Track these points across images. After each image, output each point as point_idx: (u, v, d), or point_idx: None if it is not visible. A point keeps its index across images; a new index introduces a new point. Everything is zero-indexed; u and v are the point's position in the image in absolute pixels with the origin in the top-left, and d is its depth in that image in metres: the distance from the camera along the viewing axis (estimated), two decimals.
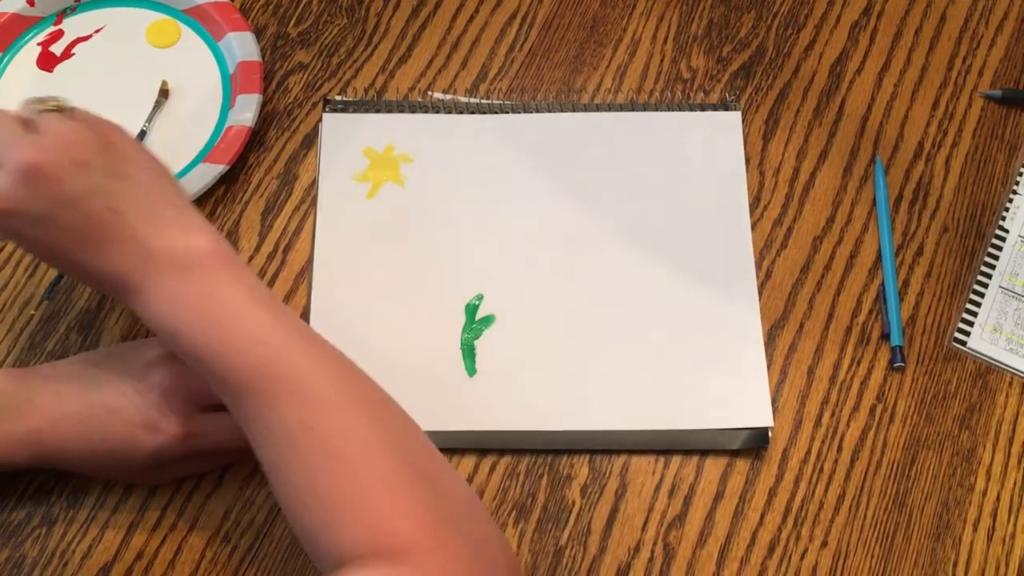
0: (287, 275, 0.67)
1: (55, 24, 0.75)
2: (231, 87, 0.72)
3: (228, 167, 0.68)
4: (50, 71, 0.73)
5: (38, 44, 0.74)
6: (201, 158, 0.69)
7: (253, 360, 0.49)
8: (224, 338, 0.49)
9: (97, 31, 0.75)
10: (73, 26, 0.75)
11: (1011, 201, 0.71)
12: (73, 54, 0.74)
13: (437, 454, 0.50)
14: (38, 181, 0.48)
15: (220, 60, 0.74)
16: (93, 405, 0.54)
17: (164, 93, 0.72)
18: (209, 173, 0.68)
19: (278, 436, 0.48)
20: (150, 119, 0.71)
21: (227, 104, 0.72)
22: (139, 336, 0.65)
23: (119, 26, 0.75)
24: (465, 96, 0.74)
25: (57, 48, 0.74)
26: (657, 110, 0.73)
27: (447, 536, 0.45)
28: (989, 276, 0.68)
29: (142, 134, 0.70)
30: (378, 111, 0.72)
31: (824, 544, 0.61)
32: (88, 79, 0.73)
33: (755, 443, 0.63)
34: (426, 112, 0.72)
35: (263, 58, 0.73)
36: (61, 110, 0.53)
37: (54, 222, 0.49)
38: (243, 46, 0.72)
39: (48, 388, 0.55)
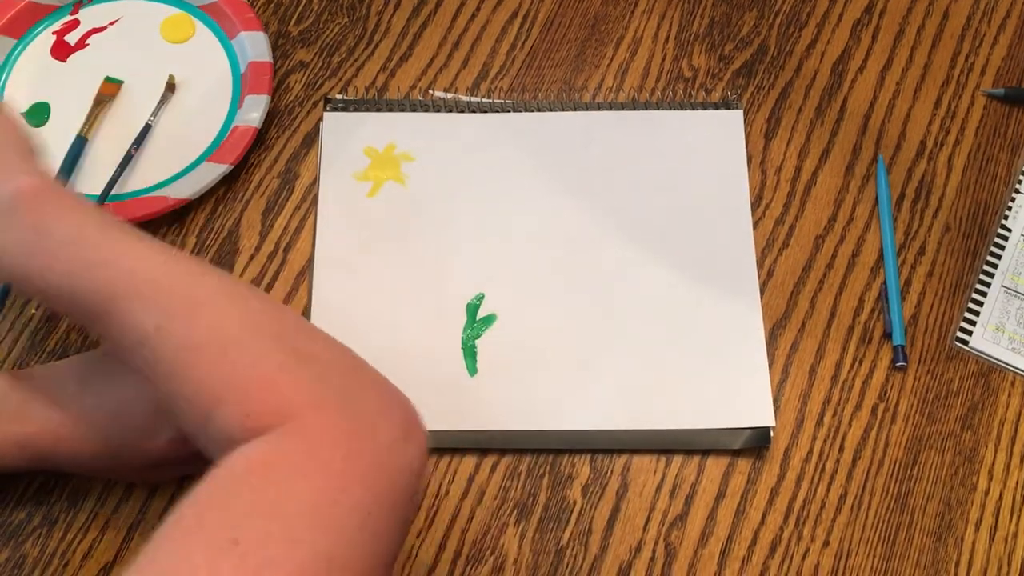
0: (288, 275, 0.67)
1: (71, 14, 0.75)
2: (240, 86, 0.72)
3: (232, 167, 0.68)
4: (63, 60, 0.73)
5: (53, 33, 0.74)
6: (205, 156, 0.69)
7: (97, 284, 0.48)
8: (66, 270, 0.48)
9: (112, 23, 0.75)
10: (89, 16, 0.75)
11: (1013, 200, 0.70)
12: (87, 44, 0.74)
13: (306, 323, 0.50)
14: None
15: (232, 58, 0.73)
16: (92, 408, 0.54)
17: (171, 87, 0.72)
18: (212, 172, 0.68)
19: (141, 347, 0.47)
20: (156, 113, 0.71)
21: (235, 103, 0.71)
22: None
23: (134, 19, 0.75)
24: (466, 95, 0.73)
25: (72, 38, 0.74)
26: (659, 109, 0.73)
27: (321, 393, 0.45)
28: (991, 275, 0.68)
29: (147, 128, 0.70)
30: (379, 110, 0.72)
31: (826, 544, 0.61)
32: (101, 70, 0.73)
33: (757, 442, 0.62)
34: (427, 111, 0.72)
35: None
36: None
37: None
38: (255, 46, 0.72)
39: (47, 391, 0.55)
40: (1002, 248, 0.69)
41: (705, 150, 0.71)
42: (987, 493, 0.62)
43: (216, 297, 0.49)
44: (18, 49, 0.74)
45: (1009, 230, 0.69)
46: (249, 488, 0.42)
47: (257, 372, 0.46)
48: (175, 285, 0.49)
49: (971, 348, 0.66)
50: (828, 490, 0.62)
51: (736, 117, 0.72)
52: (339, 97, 0.73)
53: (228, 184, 0.70)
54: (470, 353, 0.64)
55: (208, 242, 0.68)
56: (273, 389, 0.45)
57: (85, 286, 0.48)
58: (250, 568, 0.39)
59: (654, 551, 0.60)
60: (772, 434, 0.63)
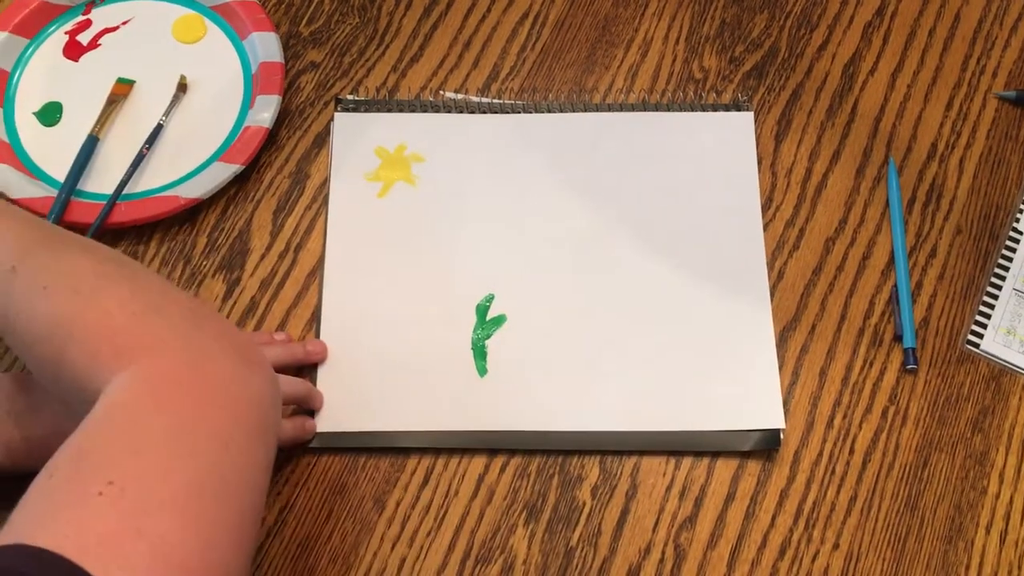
0: (298, 274, 0.67)
1: (84, 13, 0.75)
2: (252, 87, 0.72)
3: (243, 167, 0.68)
4: (76, 60, 0.74)
5: (65, 33, 0.75)
6: (217, 156, 0.69)
7: None
8: None
9: (125, 23, 0.75)
10: (101, 16, 0.75)
11: None
12: (99, 44, 0.74)
13: (158, 278, 0.53)
14: None
15: (243, 59, 0.74)
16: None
17: (182, 88, 0.72)
18: (224, 172, 0.68)
19: None
20: (167, 113, 0.71)
21: (247, 103, 0.72)
22: None
23: (146, 19, 0.75)
24: (477, 96, 0.74)
25: (84, 38, 0.74)
26: (669, 110, 0.73)
27: (161, 333, 0.48)
28: (1003, 278, 0.68)
29: (159, 128, 0.70)
30: (390, 110, 0.72)
31: (836, 546, 0.61)
32: (112, 70, 0.73)
33: (766, 445, 0.62)
34: (438, 112, 0.72)
35: None
36: None
37: None
38: (266, 46, 0.72)
39: (54, 395, 0.55)
40: (1013, 251, 0.68)
41: (715, 152, 0.71)
42: (998, 497, 0.62)
43: (72, 246, 0.52)
44: (31, 49, 0.74)
45: (1021, 233, 0.69)
46: (112, 431, 0.44)
47: (94, 312, 0.48)
48: (34, 232, 0.51)
49: (982, 351, 0.66)
50: (838, 492, 0.62)
51: (747, 119, 0.72)
52: (350, 97, 0.73)
53: (239, 184, 0.70)
54: (480, 354, 0.64)
55: (219, 242, 0.68)
56: (118, 332, 0.47)
57: None
58: (130, 504, 0.40)
59: (663, 553, 0.60)
60: (782, 436, 0.63)
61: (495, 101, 0.73)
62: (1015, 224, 0.69)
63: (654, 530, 0.61)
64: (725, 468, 0.62)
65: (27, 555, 0.38)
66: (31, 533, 0.39)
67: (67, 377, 0.48)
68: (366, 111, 0.72)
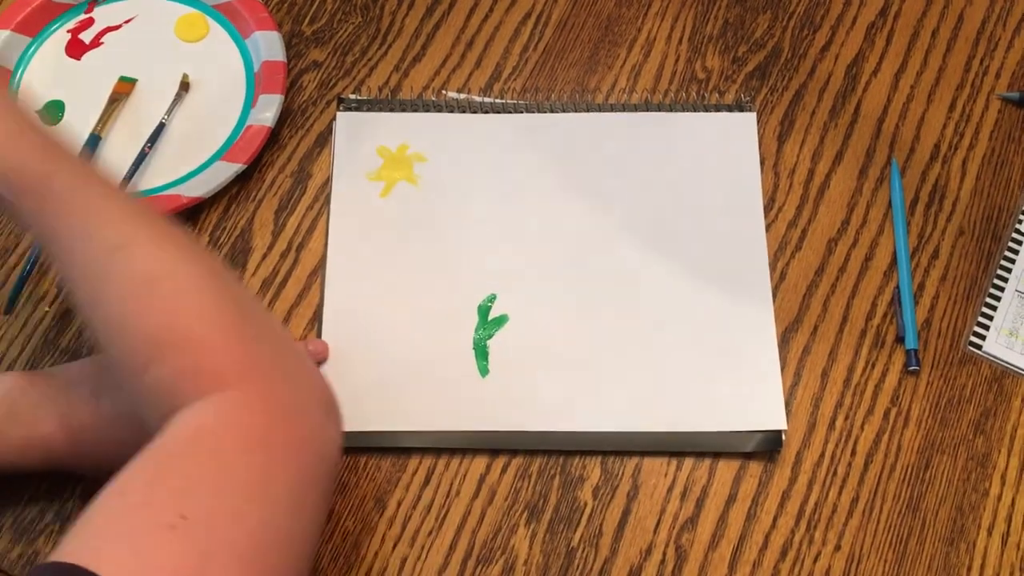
0: (300, 274, 0.67)
1: (86, 12, 0.75)
2: (254, 86, 0.72)
3: (245, 166, 0.68)
4: (78, 59, 0.74)
5: (68, 31, 0.75)
6: (219, 155, 0.69)
7: (72, 199, 0.49)
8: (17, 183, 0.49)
9: (127, 21, 0.75)
10: (104, 15, 0.75)
11: None
12: (102, 43, 0.74)
13: (248, 292, 0.52)
14: None
15: (246, 58, 0.74)
16: (104, 410, 0.54)
17: (184, 86, 0.72)
18: (226, 171, 0.68)
19: (95, 263, 0.47)
20: (170, 112, 0.71)
21: (249, 102, 0.72)
22: None
23: (149, 18, 0.76)
24: (479, 95, 0.74)
25: (86, 36, 0.74)
26: (672, 111, 0.73)
27: (265, 366, 0.46)
28: (1005, 280, 0.68)
29: (161, 127, 0.70)
30: (392, 110, 0.72)
31: (837, 548, 0.61)
32: (115, 69, 0.73)
33: (768, 446, 0.62)
34: (440, 111, 0.72)
35: None
36: None
37: None
38: (269, 45, 0.72)
39: (60, 393, 0.55)
40: (1016, 252, 0.68)
41: (718, 152, 0.71)
42: (1000, 499, 0.62)
43: (182, 243, 0.49)
44: (33, 47, 0.74)
45: (1023, 234, 0.69)
46: (195, 462, 0.42)
47: (205, 326, 0.46)
48: (144, 220, 0.49)
49: (984, 353, 0.66)
50: (840, 494, 0.62)
51: (749, 119, 0.72)
52: (352, 97, 0.73)
53: (241, 183, 0.70)
54: (482, 354, 0.64)
55: (221, 240, 0.68)
56: (225, 352, 0.45)
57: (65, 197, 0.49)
58: (198, 544, 0.39)
59: (664, 554, 0.60)
60: (784, 437, 0.63)
61: (498, 101, 0.73)
62: (1018, 225, 0.69)
63: (655, 531, 0.61)
64: (727, 469, 0.62)
65: None
66: (92, 554, 0.37)
67: (152, 378, 0.45)
68: (368, 110, 0.72)
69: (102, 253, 0.47)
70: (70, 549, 0.38)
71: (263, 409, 0.45)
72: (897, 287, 0.67)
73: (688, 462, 0.63)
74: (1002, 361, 0.65)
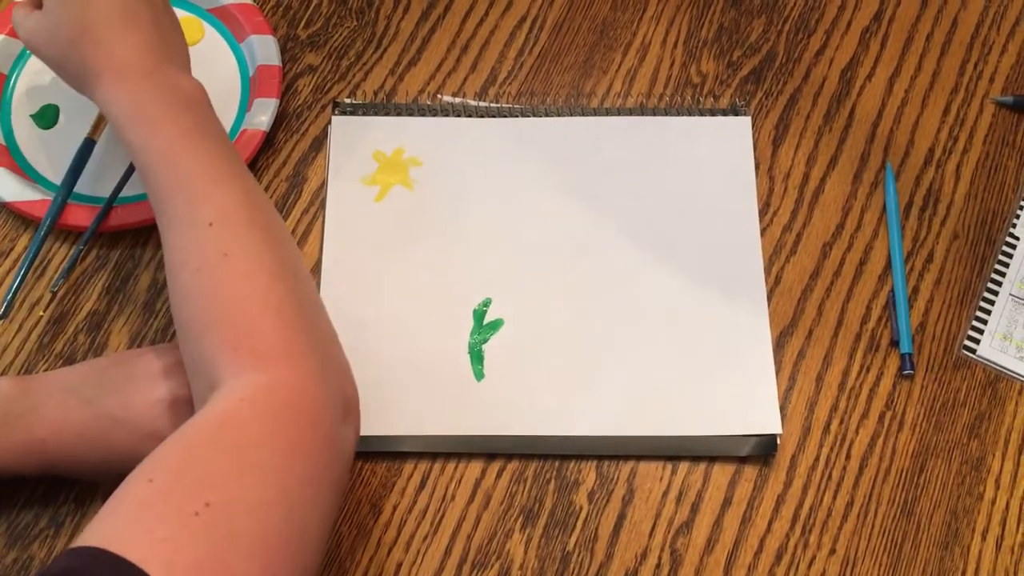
0: None
1: None
2: (249, 90, 0.72)
3: None
4: None
5: None
6: None
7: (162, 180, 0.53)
8: (147, 146, 0.54)
9: None
10: None
11: (1022, 208, 0.70)
12: None
13: (309, 280, 0.54)
14: None
15: (241, 62, 0.74)
16: (99, 415, 0.54)
17: None
18: None
19: (191, 234, 0.51)
20: None
21: (244, 106, 0.72)
22: (146, 340, 0.65)
23: None
24: (474, 100, 0.74)
25: None
26: (667, 115, 0.73)
27: (299, 356, 0.48)
28: (999, 284, 0.68)
29: None
30: (387, 114, 0.72)
31: (832, 552, 0.61)
32: None
33: (763, 450, 0.62)
34: (435, 115, 0.72)
35: None
36: None
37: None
38: (264, 49, 0.72)
39: (54, 397, 0.55)
40: (1010, 256, 0.69)
41: (713, 156, 0.71)
42: (994, 502, 0.62)
43: (264, 222, 0.53)
44: (28, 52, 0.74)
45: (1017, 238, 0.69)
46: (224, 446, 0.44)
47: (257, 306, 0.49)
48: (237, 199, 0.53)
49: (979, 357, 0.66)
50: (835, 498, 0.62)
51: (744, 123, 0.72)
52: (347, 101, 0.73)
53: None
54: (477, 358, 0.64)
55: None
56: (266, 333, 0.48)
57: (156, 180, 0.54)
58: (222, 531, 0.40)
59: (660, 558, 0.60)
60: (779, 441, 0.63)
61: (493, 105, 0.73)
62: (1011, 229, 0.70)
63: (651, 535, 0.61)
64: (722, 473, 0.62)
65: (108, 564, 0.37)
66: (119, 540, 0.39)
67: (203, 346, 0.48)
68: (364, 114, 0.72)
69: (195, 226, 0.51)
70: (97, 532, 0.39)
71: (288, 401, 0.46)
72: (892, 291, 0.68)
73: (683, 466, 0.63)
74: (996, 365, 0.66)
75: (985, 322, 0.67)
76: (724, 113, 0.73)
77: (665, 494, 0.62)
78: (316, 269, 0.67)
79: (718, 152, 0.71)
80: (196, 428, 0.45)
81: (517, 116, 0.73)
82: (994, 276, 0.68)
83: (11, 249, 0.68)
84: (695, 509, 0.61)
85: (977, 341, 0.66)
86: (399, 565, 0.60)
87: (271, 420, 0.45)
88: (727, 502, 0.62)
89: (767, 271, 0.68)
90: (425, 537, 0.60)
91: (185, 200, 0.52)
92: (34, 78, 0.73)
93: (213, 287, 0.50)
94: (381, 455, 0.62)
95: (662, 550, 0.60)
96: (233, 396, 0.46)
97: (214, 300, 0.49)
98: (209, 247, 0.51)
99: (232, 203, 0.52)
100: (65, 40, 0.57)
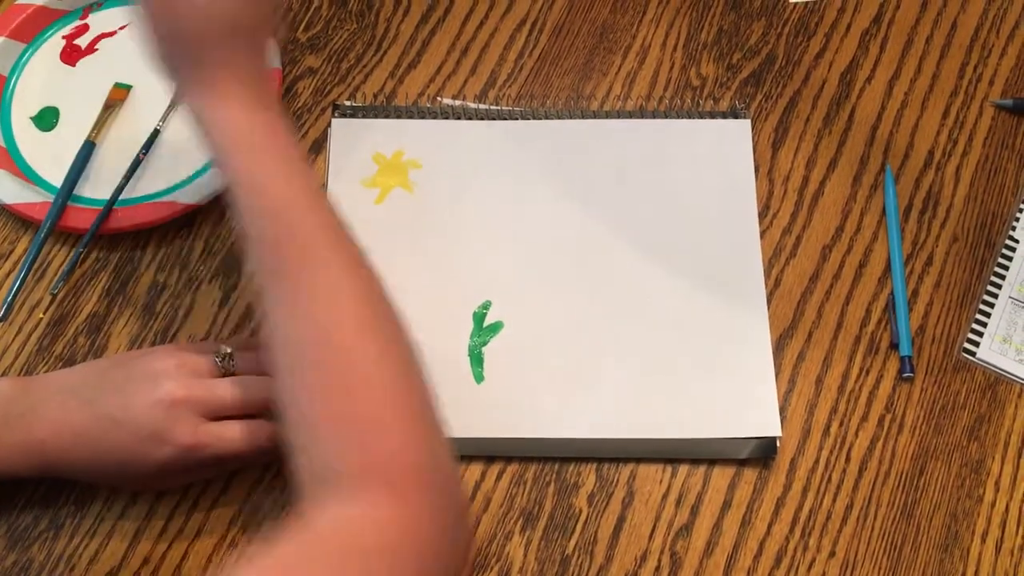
0: None
1: (81, 18, 0.75)
2: None
3: None
4: (72, 65, 0.74)
5: (63, 37, 0.75)
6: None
7: (275, 232, 0.50)
8: (260, 187, 0.51)
9: (122, 27, 0.75)
10: (99, 21, 0.75)
11: (1021, 211, 0.70)
12: (97, 49, 0.74)
13: (432, 391, 0.50)
14: None
15: None
16: (99, 416, 0.54)
17: None
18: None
19: (295, 336, 0.48)
20: (164, 118, 0.71)
21: None
22: (146, 342, 0.65)
23: None
24: (474, 102, 0.74)
25: (82, 42, 0.74)
26: (666, 118, 0.73)
27: (427, 477, 0.46)
28: (999, 286, 0.68)
29: (156, 133, 0.70)
30: (387, 116, 0.72)
31: (832, 555, 0.61)
32: (110, 75, 0.73)
33: (763, 453, 0.62)
34: (435, 118, 0.72)
35: None
36: None
37: None
38: None
39: (54, 398, 0.55)
40: (1010, 259, 0.69)
41: (713, 159, 0.71)
42: (994, 505, 0.62)
43: (382, 313, 0.50)
44: (28, 53, 0.74)
45: (1017, 241, 0.69)
46: (331, 570, 0.42)
47: (388, 412, 0.46)
48: (349, 270, 0.50)
49: (978, 359, 0.66)
50: (834, 501, 0.62)
51: (744, 126, 0.72)
52: (347, 103, 0.73)
53: None
54: (477, 360, 0.64)
55: (216, 248, 0.68)
56: (393, 450, 0.45)
57: (262, 228, 0.50)
58: None
59: (659, 561, 0.60)
60: (778, 444, 0.63)
61: (492, 107, 0.73)
62: (1011, 232, 0.70)
63: (650, 538, 0.61)
64: (721, 476, 0.62)
65: None
66: None
67: (327, 447, 0.45)
68: (364, 117, 0.72)
69: (313, 300, 0.48)
70: None
71: (417, 532, 0.44)
72: (891, 294, 0.68)
73: (683, 469, 0.63)
74: (996, 368, 0.66)
75: (985, 325, 0.67)
76: (724, 116, 0.73)
77: (665, 497, 0.62)
78: None
79: (718, 155, 0.71)
80: (313, 533, 0.42)
81: (517, 119, 0.73)
82: (994, 279, 0.68)
83: (11, 251, 0.68)
84: (695, 512, 0.61)
85: (977, 344, 0.66)
86: None
87: (394, 552, 0.43)
88: (727, 505, 0.62)
89: (767, 273, 0.68)
90: None
91: (299, 260, 0.49)
92: (34, 80, 0.73)
93: (341, 392, 0.46)
94: None
95: (662, 553, 0.60)
96: (355, 514, 0.43)
97: (342, 407, 0.46)
98: (333, 336, 0.47)
99: (359, 291, 0.50)
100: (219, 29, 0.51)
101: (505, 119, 0.72)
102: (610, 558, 0.60)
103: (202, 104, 0.52)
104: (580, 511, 0.61)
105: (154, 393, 0.55)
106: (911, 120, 0.74)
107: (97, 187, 0.69)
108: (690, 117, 0.73)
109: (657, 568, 0.60)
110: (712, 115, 0.73)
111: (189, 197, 0.67)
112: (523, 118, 0.73)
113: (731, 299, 0.67)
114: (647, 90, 0.74)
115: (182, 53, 0.52)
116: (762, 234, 0.69)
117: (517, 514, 0.61)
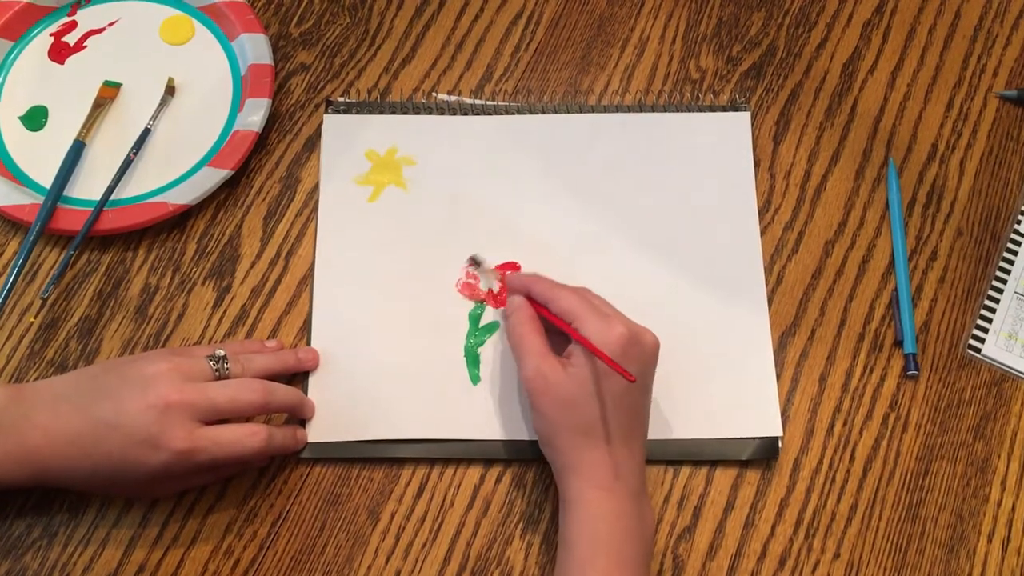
0: (289, 281, 0.66)
1: (69, 15, 0.74)
2: (241, 89, 0.71)
3: (232, 172, 0.67)
4: (61, 63, 0.72)
5: (51, 35, 0.73)
6: (206, 161, 0.68)
7: None
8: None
9: (111, 24, 0.74)
10: (87, 18, 0.74)
11: None
12: (85, 46, 0.73)
13: None
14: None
15: (232, 61, 0.72)
16: (93, 422, 0.54)
17: (170, 91, 0.71)
18: (213, 177, 0.67)
19: None
20: (155, 117, 0.70)
21: (236, 106, 0.70)
22: (139, 346, 0.64)
23: (133, 20, 0.74)
24: (470, 97, 0.72)
25: (70, 39, 0.73)
26: (665, 111, 0.72)
27: None
28: (1004, 281, 0.67)
29: (146, 132, 0.69)
30: (381, 112, 0.71)
31: (836, 556, 0.60)
32: (99, 73, 0.72)
33: (764, 454, 0.62)
34: (430, 114, 0.71)
35: None
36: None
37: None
38: (255, 48, 0.71)
39: (47, 405, 0.54)
40: (1015, 254, 0.68)
41: (712, 153, 0.70)
42: (1000, 504, 0.61)
43: None
44: (15, 51, 0.73)
45: (1022, 235, 0.68)
46: None
47: None
48: None
49: (983, 356, 0.65)
50: (838, 501, 0.61)
51: (744, 119, 0.71)
52: (341, 99, 0.72)
53: (229, 189, 0.69)
54: (473, 361, 0.64)
55: (209, 248, 0.67)
56: None
57: None
58: None
59: (662, 563, 0.59)
60: (780, 444, 0.62)
61: (488, 103, 0.72)
62: (1016, 226, 0.69)
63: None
64: (724, 477, 0.62)
65: None
66: None
67: None
68: (357, 113, 0.71)
69: None
70: None
71: None
72: (895, 290, 0.67)
73: (685, 470, 0.62)
74: (1001, 364, 0.65)
75: (990, 321, 0.66)
76: (723, 109, 0.72)
77: (667, 498, 0.61)
78: (310, 272, 0.66)
79: (717, 149, 0.70)
80: None
81: (513, 114, 0.71)
82: (999, 274, 0.67)
83: (1, 254, 0.67)
84: (697, 514, 0.61)
85: (982, 340, 0.65)
86: (398, 573, 0.59)
87: None
88: (729, 506, 0.61)
89: (768, 270, 0.67)
90: (424, 544, 0.60)
91: None
92: (22, 78, 0.72)
93: None
94: (378, 461, 0.61)
95: (664, 555, 0.60)
96: None
97: None
98: None
99: None
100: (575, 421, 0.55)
101: (501, 114, 0.71)
102: None
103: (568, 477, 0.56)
104: None
105: (147, 397, 0.54)
106: (914, 112, 0.72)
107: (87, 188, 0.68)
108: (689, 111, 0.72)
109: (660, 571, 0.59)
110: (712, 108, 0.72)
111: (181, 197, 0.66)
112: (520, 113, 0.71)
113: (731, 296, 0.66)
114: (646, 84, 0.73)
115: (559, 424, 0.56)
116: (764, 229, 0.68)
117: (517, 518, 0.60)
